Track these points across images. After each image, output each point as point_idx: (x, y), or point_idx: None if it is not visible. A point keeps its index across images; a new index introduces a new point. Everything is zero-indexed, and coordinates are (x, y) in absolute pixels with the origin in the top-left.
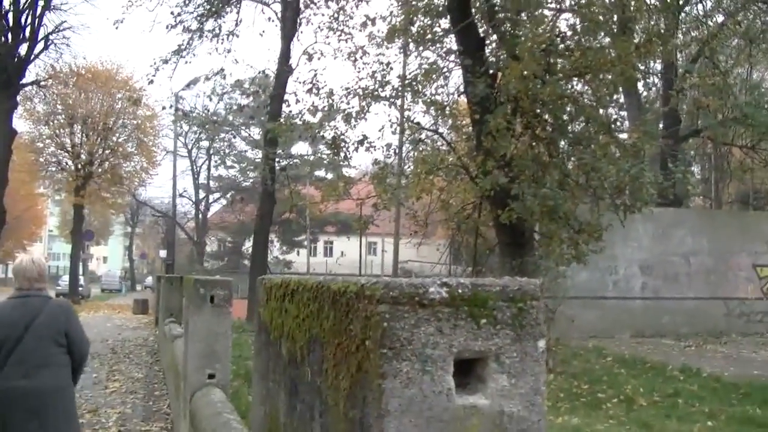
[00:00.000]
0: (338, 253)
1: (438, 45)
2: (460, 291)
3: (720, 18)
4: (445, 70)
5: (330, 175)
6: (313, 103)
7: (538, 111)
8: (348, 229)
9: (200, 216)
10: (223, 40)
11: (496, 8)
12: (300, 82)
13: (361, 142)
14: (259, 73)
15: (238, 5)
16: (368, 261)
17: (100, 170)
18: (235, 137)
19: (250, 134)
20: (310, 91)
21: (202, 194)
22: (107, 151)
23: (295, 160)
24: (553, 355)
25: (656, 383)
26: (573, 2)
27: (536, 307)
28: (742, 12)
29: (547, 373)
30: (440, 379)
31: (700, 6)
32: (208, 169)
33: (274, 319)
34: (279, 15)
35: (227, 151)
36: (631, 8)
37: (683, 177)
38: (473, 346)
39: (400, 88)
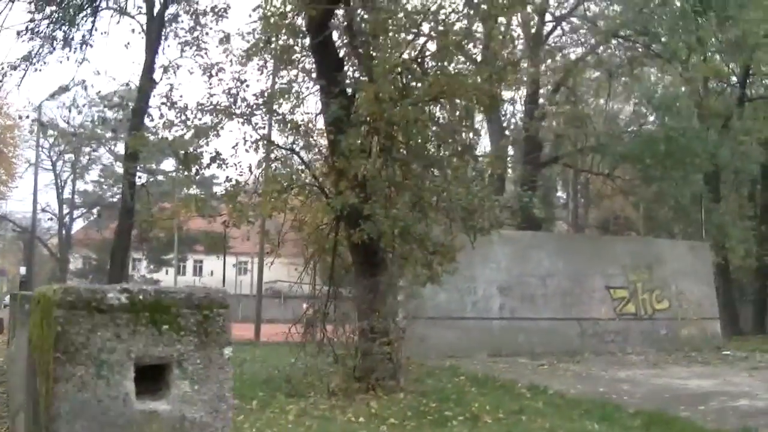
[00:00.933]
0: (208, 272)
1: (300, 65)
2: (141, 297)
3: (581, 50)
4: (303, 89)
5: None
6: (166, 117)
7: (393, 133)
8: (218, 248)
9: (64, 232)
10: (76, 49)
11: (353, 30)
12: (161, 96)
13: (213, 159)
14: (123, 85)
15: (93, 16)
16: (238, 281)
17: None
18: (96, 150)
19: (112, 148)
20: (164, 104)
21: (66, 209)
22: None
23: (158, 177)
24: (405, 374)
25: (503, 401)
26: (430, 28)
27: (223, 315)
28: (603, 45)
29: (398, 392)
30: (117, 384)
31: (564, 39)
32: (73, 183)
33: (33, 330)
34: (144, 27)
35: (88, 164)
36: (492, 37)
37: (530, 201)
38: (154, 351)
39: (254, 106)
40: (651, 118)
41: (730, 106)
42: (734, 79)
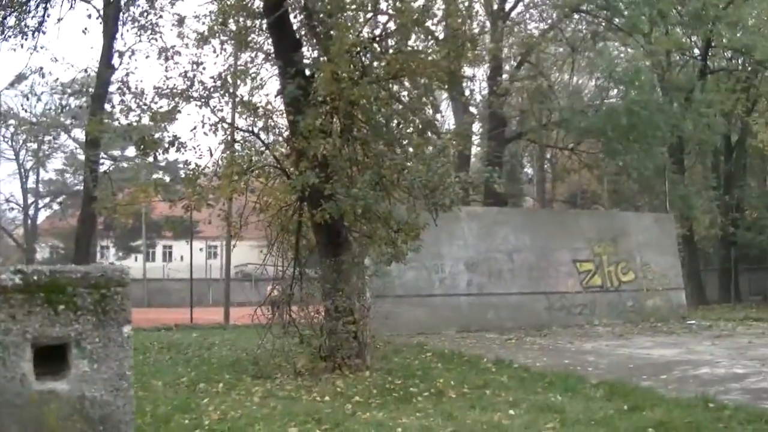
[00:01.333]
0: (178, 258)
1: (259, 46)
2: (35, 278)
3: (543, 26)
4: (263, 71)
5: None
6: (126, 103)
7: (353, 112)
8: (184, 232)
9: (29, 222)
10: (27, 36)
11: (310, 9)
12: (118, 81)
13: (172, 143)
14: (81, 71)
15: (46, 2)
16: (208, 265)
17: None
18: (57, 138)
19: (74, 136)
20: (120, 89)
21: (31, 199)
22: None
23: (122, 163)
24: (371, 352)
25: (469, 376)
26: (388, 5)
27: (121, 293)
28: (565, 20)
29: (363, 370)
30: (14, 365)
31: (526, 14)
32: (37, 172)
33: None
34: (101, 12)
35: (50, 153)
36: (450, 13)
37: (491, 177)
38: (51, 332)
39: (212, 89)
40: (614, 92)
41: (693, 78)
42: (696, 51)
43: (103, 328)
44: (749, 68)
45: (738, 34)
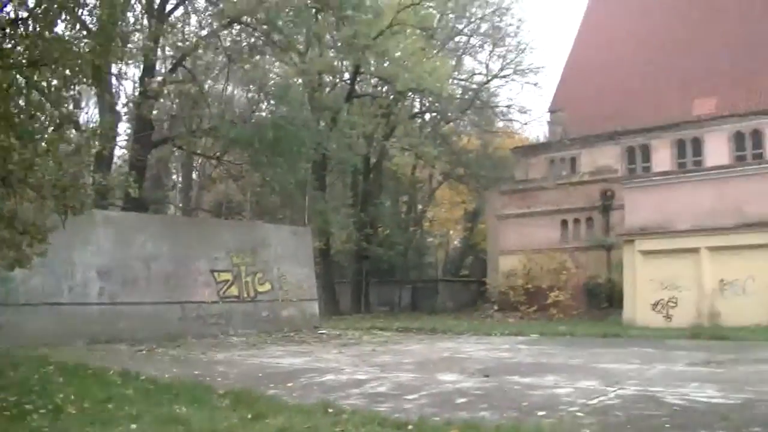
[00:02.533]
0: None
1: None
2: None
3: (204, 32)
4: None
5: None
6: None
7: None
8: None
9: None
10: None
11: None
12: None
13: None
14: None
15: None
16: None
17: None
18: None
19: None
20: None
21: None
22: None
23: None
24: None
25: (92, 390)
26: None
27: None
28: (225, 30)
29: None
30: None
31: (187, 18)
32: None
33: None
34: None
35: None
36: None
37: (126, 181)
38: None
39: None
40: (264, 105)
41: (340, 100)
42: (346, 75)
43: None
44: (391, 96)
45: (384, 64)
